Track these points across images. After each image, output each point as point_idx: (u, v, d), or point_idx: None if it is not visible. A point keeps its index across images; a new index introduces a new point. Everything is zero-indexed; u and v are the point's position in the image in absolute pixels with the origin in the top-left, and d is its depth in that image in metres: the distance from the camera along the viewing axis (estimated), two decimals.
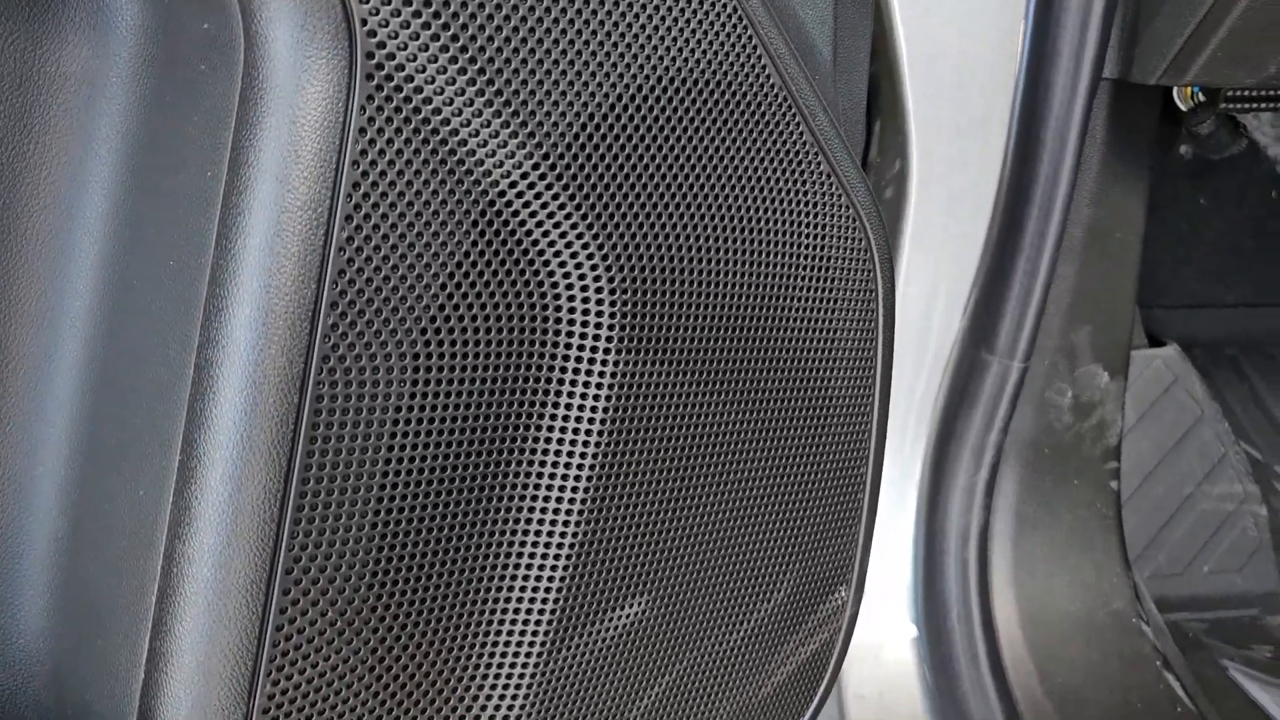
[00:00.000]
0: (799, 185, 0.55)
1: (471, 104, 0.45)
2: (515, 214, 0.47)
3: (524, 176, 0.47)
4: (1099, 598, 0.92)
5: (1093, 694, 0.87)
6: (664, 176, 0.51)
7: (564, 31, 0.47)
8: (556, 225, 0.48)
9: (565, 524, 0.50)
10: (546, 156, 0.47)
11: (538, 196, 0.48)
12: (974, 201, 0.89)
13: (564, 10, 0.46)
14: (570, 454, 0.50)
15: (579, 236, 0.49)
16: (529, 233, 0.48)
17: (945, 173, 0.89)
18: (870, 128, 0.91)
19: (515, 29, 0.45)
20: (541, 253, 0.48)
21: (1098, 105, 0.90)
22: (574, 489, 0.50)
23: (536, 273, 0.48)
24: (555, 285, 0.49)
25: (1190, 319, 1.23)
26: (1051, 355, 0.93)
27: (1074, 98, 0.86)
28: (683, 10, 0.50)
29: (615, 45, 0.48)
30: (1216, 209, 1.24)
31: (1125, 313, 0.95)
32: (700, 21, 0.51)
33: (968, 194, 0.89)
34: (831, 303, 0.57)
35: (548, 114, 0.47)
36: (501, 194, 0.47)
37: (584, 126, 0.48)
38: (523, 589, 0.50)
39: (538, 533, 0.50)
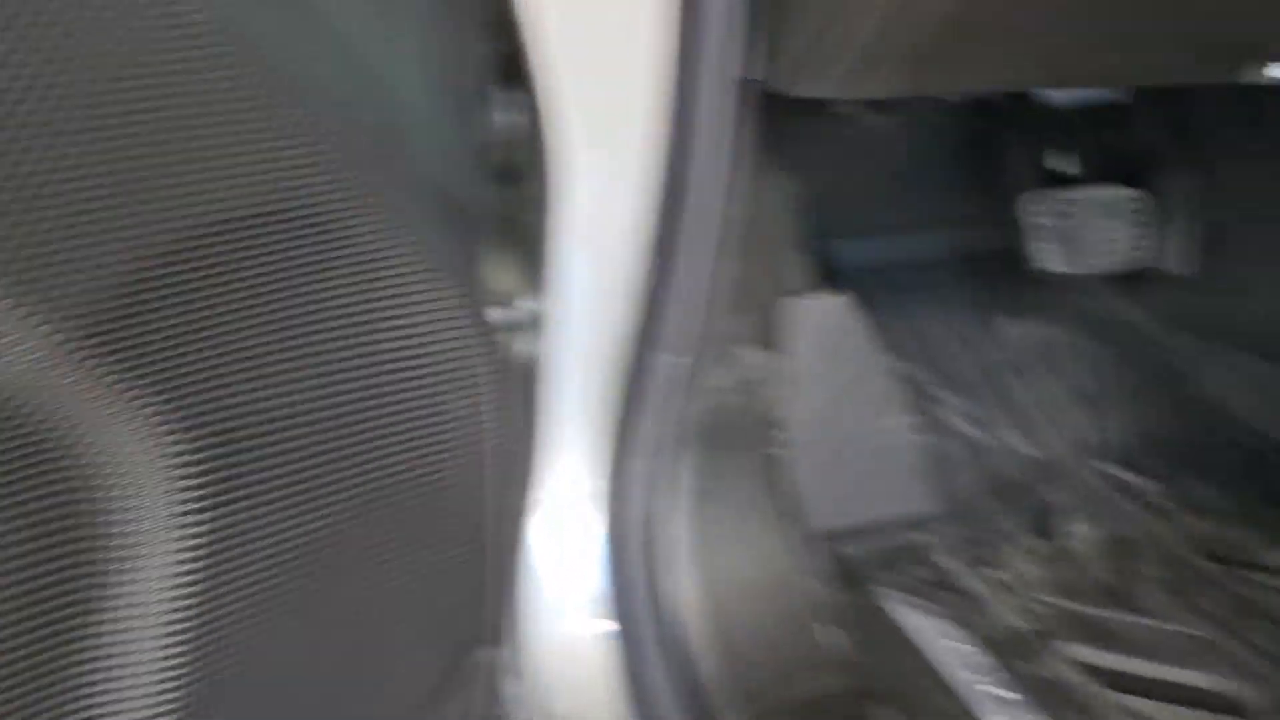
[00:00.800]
0: (384, 299, 0.55)
1: None
2: (55, 395, 0.45)
3: (70, 353, 0.45)
4: (767, 560, 1.00)
5: (759, 655, 0.95)
6: (231, 323, 0.50)
7: (70, 201, 0.44)
8: (115, 388, 0.46)
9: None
10: (84, 328, 0.45)
11: (82, 368, 0.46)
12: (631, 204, 0.91)
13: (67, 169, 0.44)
14: (158, 626, 0.49)
15: (144, 405, 0.47)
16: (66, 416, 0.46)
17: (600, 175, 0.90)
18: (521, 129, 0.90)
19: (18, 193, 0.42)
20: (93, 425, 0.47)
21: (745, 104, 0.92)
22: (171, 659, 0.50)
23: (79, 455, 0.47)
24: (112, 460, 0.47)
25: (853, 249, 1.29)
26: (716, 345, 0.98)
27: (722, 99, 0.88)
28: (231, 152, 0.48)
29: (152, 192, 0.46)
30: (869, 149, 1.30)
31: (779, 298, 1.00)
32: (245, 163, 0.49)
33: (624, 196, 0.91)
34: (435, 406, 0.58)
35: (72, 281, 0.45)
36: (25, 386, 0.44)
37: (130, 284, 0.46)
38: None
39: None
